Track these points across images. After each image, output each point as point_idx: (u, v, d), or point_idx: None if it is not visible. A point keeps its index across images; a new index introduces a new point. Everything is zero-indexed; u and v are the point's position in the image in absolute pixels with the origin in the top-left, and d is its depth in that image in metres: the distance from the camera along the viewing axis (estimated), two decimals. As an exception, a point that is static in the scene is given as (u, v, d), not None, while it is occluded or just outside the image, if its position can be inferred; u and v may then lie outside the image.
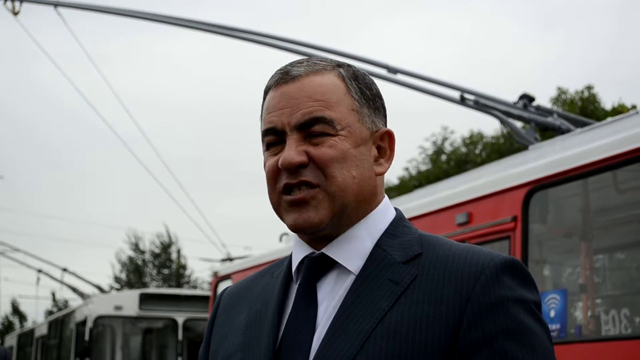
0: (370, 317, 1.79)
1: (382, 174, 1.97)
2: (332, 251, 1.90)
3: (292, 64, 1.96)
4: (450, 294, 1.77)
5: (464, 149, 37.41)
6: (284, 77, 1.93)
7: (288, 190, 1.88)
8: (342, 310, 1.82)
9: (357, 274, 1.87)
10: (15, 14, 13.34)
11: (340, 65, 1.98)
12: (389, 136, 1.99)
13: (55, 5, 12.95)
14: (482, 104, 9.89)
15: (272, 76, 1.96)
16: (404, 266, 1.84)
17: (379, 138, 1.97)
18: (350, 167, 1.88)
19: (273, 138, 1.91)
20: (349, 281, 1.87)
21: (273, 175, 1.91)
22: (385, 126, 2.00)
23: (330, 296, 1.87)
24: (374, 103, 1.97)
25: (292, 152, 1.86)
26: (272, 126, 1.91)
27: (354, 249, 1.90)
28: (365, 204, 1.92)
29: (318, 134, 1.87)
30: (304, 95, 1.89)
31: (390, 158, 1.99)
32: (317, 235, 1.90)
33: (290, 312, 1.90)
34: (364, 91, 1.96)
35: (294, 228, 1.89)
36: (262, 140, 1.95)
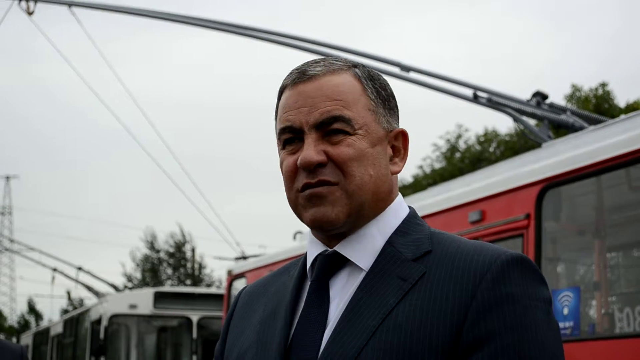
0: (377, 313, 1.81)
1: (397, 172, 1.99)
2: (344, 249, 1.92)
3: (308, 64, 1.98)
4: (457, 291, 1.79)
5: (478, 147, 37.29)
6: (301, 76, 1.95)
7: (307, 189, 1.90)
8: (350, 306, 1.85)
9: (367, 271, 1.89)
10: (30, 13, 13.36)
11: (355, 65, 2.00)
12: (403, 136, 2.01)
13: (70, 4, 12.98)
14: (495, 101, 9.88)
15: (288, 75, 1.98)
16: (413, 263, 1.86)
17: (394, 138, 1.99)
18: (368, 166, 1.90)
19: (289, 136, 1.93)
20: (360, 278, 1.89)
21: (291, 175, 1.92)
22: (399, 126, 2.02)
23: (342, 293, 1.89)
24: (389, 103, 2.00)
25: (311, 151, 1.88)
26: (289, 124, 1.92)
27: (365, 247, 1.92)
28: (381, 203, 1.95)
29: (336, 132, 1.89)
30: (321, 95, 1.91)
31: (404, 157, 2.01)
32: (334, 232, 1.92)
33: (303, 309, 1.93)
34: (380, 91, 1.98)
35: (312, 223, 1.91)
36: (278, 139, 1.97)
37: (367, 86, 1.96)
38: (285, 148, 1.95)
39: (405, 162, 2.01)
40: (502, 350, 1.73)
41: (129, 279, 48.06)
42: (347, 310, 1.84)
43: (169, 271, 48.49)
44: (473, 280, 1.79)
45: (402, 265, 1.87)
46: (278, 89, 2.02)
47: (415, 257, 1.88)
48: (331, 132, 1.90)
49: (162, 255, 48.58)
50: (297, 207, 1.94)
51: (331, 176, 1.88)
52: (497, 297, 1.77)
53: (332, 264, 1.93)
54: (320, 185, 1.88)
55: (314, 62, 1.98)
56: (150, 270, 48.07)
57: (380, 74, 2.04)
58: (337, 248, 1.93)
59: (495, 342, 1.74)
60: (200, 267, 48.02)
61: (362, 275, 1.90)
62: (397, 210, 1.99)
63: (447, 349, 1.75)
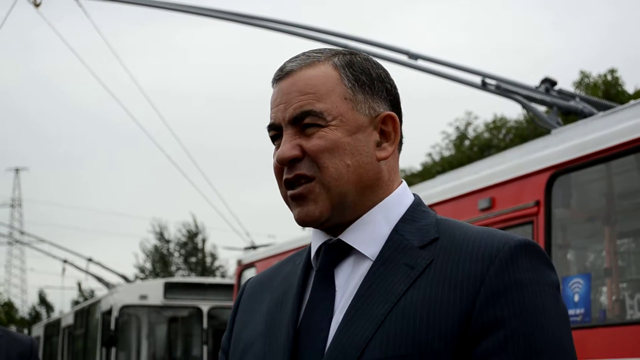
0: (386, 301, 1.80)
1: (386, 157, 1.95)
2: (348, 237, 1.91)
3: (289, 60, 1.99)
4: (465, 278, 1.78)
5: (487, 134, 37.26)
6: (279, 73, 1.98)
7: (289, 185, 1.92)
8: (359, 295, 1.84)
9: (374, 259, 1.88)
10: (37, 5, 13.35)
11: (336, 53, 1.99)
12: (392, 119, 1.97)
13: (77, -4, 12.98)
14: (504, 88, 9.85)
15: (274, 72, 2.00)
16: (420, 251, 1.85)
17: (381, 122, 1.96)
18: (344, 156, 1.89)
19: (274, 133, 1.96)
20: (365, 266, 1.88)
21: (277, 172, 1.95)
22: (391, 109, 1.99)
23: (348, 282, 1.89)
24: (372, 87, 1.97)
25: (286, 146, 1.91)
26: (271, 122, 1.96)
27: (370, 235, 1.91)
28: (370, 190, 1.93)
29: (309, 126, 1.90)
30: (295, 90, 1.93)
31: (395, 141, 1.98)
32: (323, 227, 1.93)
33: (309, 299, 1.92)
34: (359, 77, 1.95)
35: (298, 222, 1.93)
36: (269, 136, 2.00)
37: (344, 74, 1.94)
38: (274, 145, 1.98)
39: (396, 145, 1.98)
40: (511, 336, 1.72)
41: (141, 269, 48.23)
42: (355, 299, 1.84)
43: (179, 261, 48.64)
44: (481, 267, 1.78)
45: (409, 252, 1.86)
46: None
47: (422, 245, 1.86)
48: (305, 126, 1.91)
49: (172, 246, 48.73)
50: (288, 203, 1.96)
51: (307, 170, 1.89)
52: (506, 283, 1.76)
53: (336, 253, 1.93)
54: (300, 179, 1.89)
55: (294, 57, 2.00)
56: (160, 261, 48.21)
57: (368, 57, 2.02)
58: (341, 237, 1.92)
59: (505, 328, 1.73)
60: (213, 258, 48.17)
61: (367, 263, 1.89)
62: (402, 197, 1.97)
63: (457, 336, 1.74)
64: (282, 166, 1.92)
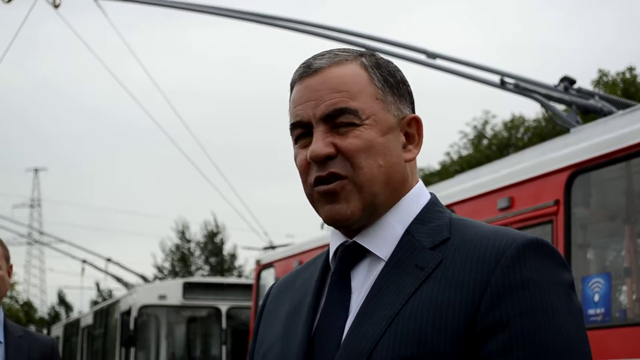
0: (395, 303, 1.79)
1: (411, 160, 1.96)
2: (364, 239, 1.91)
3: (314, 57, 1.98)
4: (472, 278, 1.77)
5: (505, 133, 37.15)
6: (306, 70, 1.95)
7: (319, 183, 1.90)
8: (369, 297, 1.84)
9: (386, 260, 1.88)
10: (56, 6, 13.40)
11: (362, 54, 1.99)
12: (417, 122, 1.99)
13: (95, -3, 13.01)
14: (523, 87, 9.82)
15: (296, 70, 1.98)
16: (430, 252, 1.85)
17: (406, 124, 1.97)
18: (377, 156, 1.89)
19: (300, 131, 1.93)
20: (379, 268, 1.88)
21: (304, 169, 1.93)
22: (412, 112, 2.00)
23: (363, 284, 1.89)
24: (399, 90, 1.97)
25: (320, 144, 1.88)
26: (298, 119, 1.93)
27: (384, 236, 1.91)
28: (395, 192, 1.93)
29: (343, 124, 1.89)
30: (327, 87, 1.91)
31: (419, 144, 1.99)
32: (352, 228, 1.92)
33: (325, 301, 1.93)
34: (387, 79, 1.96)
35: (327, 221, 1.92)
36: (291, 134, 1.97)
37: (374, 75, 1.94)
38: (297, 143, 1.95)
39: (420, 148, 1.99)
40: (516, 337, 1.71)
41: (160, 269, 48.36)
42: (366, 301, 1.84)
43: (200, 261, 48.76)
44: (488, 267, 1.77)
45: (419, 253, 1.85)
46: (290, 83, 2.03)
47: (433, 245, 1.86)
48: (339, 124, 1.89)
49: (192, 245, 48.87)
50: (314, 202, 1.94)
51: (341, 168, 1.88)
52: (512, 282, 1.75)
53: (352, 255, 1.93)
54: (331, 178, 1.88)
55: (320, 55, 1.98)
56: (181, 260, 48.33)
57: (389, 60, 2.03)
58: (356, 239, 1.92)
59: (510, 328, 1.72)
60: (232, 258, 48.27)
61: (381, 265, 1.89)
62: (417, 197, 1.97)
63: (463, 336, 1.73)
64: (313, 164, 1.90)
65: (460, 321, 1.74)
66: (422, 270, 1.82)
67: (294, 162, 2.01)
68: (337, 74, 1.92)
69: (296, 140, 1.96)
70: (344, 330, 1.84)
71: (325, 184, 1.89)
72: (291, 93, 1.99)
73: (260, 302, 2.20)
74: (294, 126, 1.95)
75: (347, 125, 1.88)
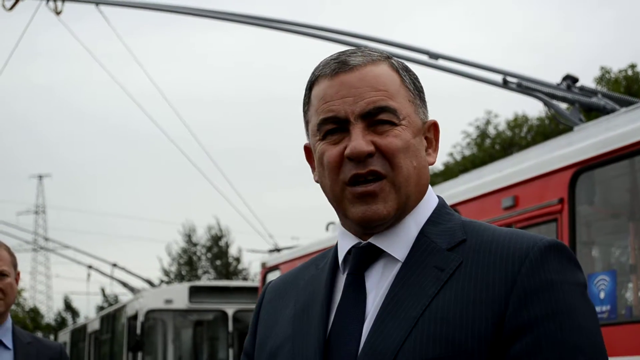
0: (417, 304, 1.80)
1: (432, 164, 1.99)
2: (380, 240, 1.91)
3: (346, 54, 1.95)
4: (496, 279, 1.78)
5: (508, 133, 37.11)
6: (342, 66, 1.92)
7: (355, 181, 1.88)
8: (389, 297, 1.84)
9: (403, 262, 1.88)
10: (58, 13, 13.40)
11: (388, 57, 1.99)
12: (435, 127, 2.01)
13: (97, 3, 13.00)
14: (525, 86, 9.82)
15: (326, 65, 1.95)
16: (448, 253, 1.86)
17: (427, 129, 1.99)
18: (412, 157, 1.90)
19: (332, 126, 1.90)
20: (395, 269, 1.88)
21: (335, 166, 1.90)
22: (429, 117, 2.02)
23: (379, 285, 1.89)
24: (422, 94, 2.00)
25: (361, 141, 1.86)
26: (333, 114, 1.90)
27: (400, 238, 1.91)
28: (420, 194, 1.95)
29: (382, 123, 1.88)
30: (366, 85, 1.90)
31: (436, 149, 2.01)
32: (382, 228, 1.91)
33: (340, 302, 1.92)
34: (415, 83, 1.98)
35: (361, 220, 1.89)
36: (318, 129, 1.93)
37: (405, 77, 1.96)
38: (325, 139, 1.92)
39: (437, 153, 2.01)
40: (545, 336, 1.73)
41: (166, 273, 48.33)
42: (386, 301, 1.84)
43: (206, 264, 48.71)
44: (512, 268, 1.78)
45: (437, 255, 1.86)
46: (308, 79, 1.98)
47: (450, 247, 1.87)
48: (377, 122, 1.88)
49: (199, 248, 48.86)
50: (343, 201, 1.91)
51: (380, 167, 1.87)
52: (537, 283, 1.77)
53: (367, 256, 1.92)
54: (370, 176, 1.86)
55: (352, 52, 1.96)
56: (187, 264, 48.30)
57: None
58: (372, 240, 1.92)
59: (538, 329, 1.74)
60: (237, 261, 48.24)
61: (397, 266, 1.89)
62: (429, 200, 1.98)
63: (490, 337, 1.74)
64: (346, 161, 1.87)
65: (488, 321, 1.75)
66: (442, 271, 1.83)
67: (306, 159, 2.01)
68: (374, 73, 1.91)
69: (324, 135, 1.92)
70: (362, 332, 1.84)
71: (363, 183, 1.87)
72: (312, 89, 1.97)
73: (257, 303, 2.18)
74: (325, 121, 1.91)
75: (385, 124, 1.88)
